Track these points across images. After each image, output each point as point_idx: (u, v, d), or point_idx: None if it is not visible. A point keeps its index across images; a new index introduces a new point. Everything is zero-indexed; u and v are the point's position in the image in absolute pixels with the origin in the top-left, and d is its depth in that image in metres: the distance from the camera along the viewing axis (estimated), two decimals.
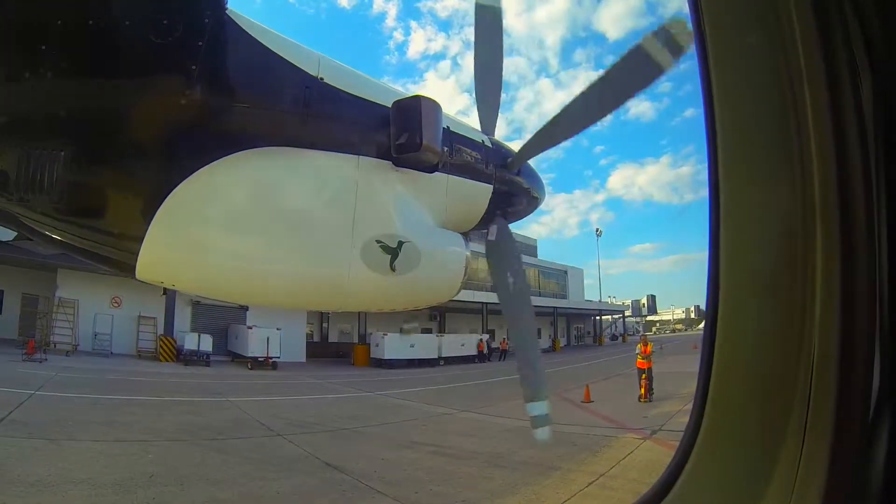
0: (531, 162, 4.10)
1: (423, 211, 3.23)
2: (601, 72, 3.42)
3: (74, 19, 2.59)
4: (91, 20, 2.63)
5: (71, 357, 22.17)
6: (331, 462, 8.68)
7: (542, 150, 4.00)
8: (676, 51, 2.78)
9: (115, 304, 26.54)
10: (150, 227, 2.59)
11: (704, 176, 1.37)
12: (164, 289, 3.73)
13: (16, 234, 3.49)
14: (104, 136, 2.64)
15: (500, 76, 4.07)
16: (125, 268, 2.81)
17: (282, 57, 2.90)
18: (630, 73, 3.17)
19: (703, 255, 1.37)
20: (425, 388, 20.25)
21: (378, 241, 2.91)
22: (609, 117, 3.62)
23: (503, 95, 4.20)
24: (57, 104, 2.60)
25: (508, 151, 3.98)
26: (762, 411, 1.29)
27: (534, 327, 4.40)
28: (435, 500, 6.95)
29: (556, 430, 11.62)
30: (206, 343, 26.14)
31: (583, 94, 3.48)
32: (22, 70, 2.55)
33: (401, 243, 2.95)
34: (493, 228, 3.74)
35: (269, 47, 2.88)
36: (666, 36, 2.81)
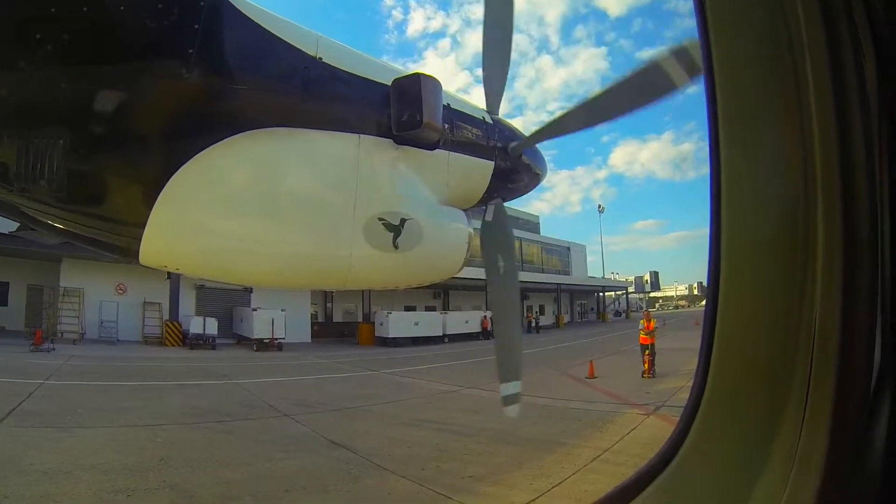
0: None
1: (425, 188, 3.22)
2: (614, 79, 3.43)
3: (68, 6, 2.55)
4: (85, 6, 2.59)
5: (78, 345, 22.38)
6: (337, 441, 8.81)
7: (548, 139, 4.03)
8: (692, 70, 2.76)
9: (120, 291, 26.74)
10: (151, 212, 2.59)
11: (707, 153, 1.36)
12: (169, 273, 3.78)
13: (18, 224, 3.53)
14: (103, 122, 2.60)
15: (509, 56, 4.03)
16: (129, 254, 2.82)
17: (279, 37, 2.88)
18: (644, 85, 3.15)
19: (706, 232, 1.36)
20: (430, 365, 20.43)
21: (380, 219, 2.91)
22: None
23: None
24: (54, 92, 2.57)
25: (511, 130, 3.97)
26: (763, 386, 1.30)
27: (518, 312, 4.45)
28: (441, 477, 7.03)
29: (561, 405, 11.75)
30: (212, 326, 26.36)
31: (596, 96, 3.53)
32: (16, 59, 2.52)
33: (403, 220, 2.96)
34: (490, 209, 3.74)
35: (266, 28, 2.85)
36: (684, 56, 2.79)
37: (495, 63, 4.00)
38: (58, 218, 2.92)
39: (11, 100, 2.59)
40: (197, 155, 2.60)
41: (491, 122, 3.73)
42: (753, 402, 1.32)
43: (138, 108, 2.66)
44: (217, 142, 2.64)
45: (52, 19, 2.53)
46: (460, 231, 3.32)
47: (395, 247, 2.93)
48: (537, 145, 4.20)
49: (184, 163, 2.59)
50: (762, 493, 1.27)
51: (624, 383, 14.62)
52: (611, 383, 14.64)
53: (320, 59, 2.96)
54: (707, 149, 1.35)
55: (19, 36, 2.51)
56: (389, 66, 3.36)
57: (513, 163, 3.84)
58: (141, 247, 2.69)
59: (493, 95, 3.94)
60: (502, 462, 7.76)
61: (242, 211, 2.84)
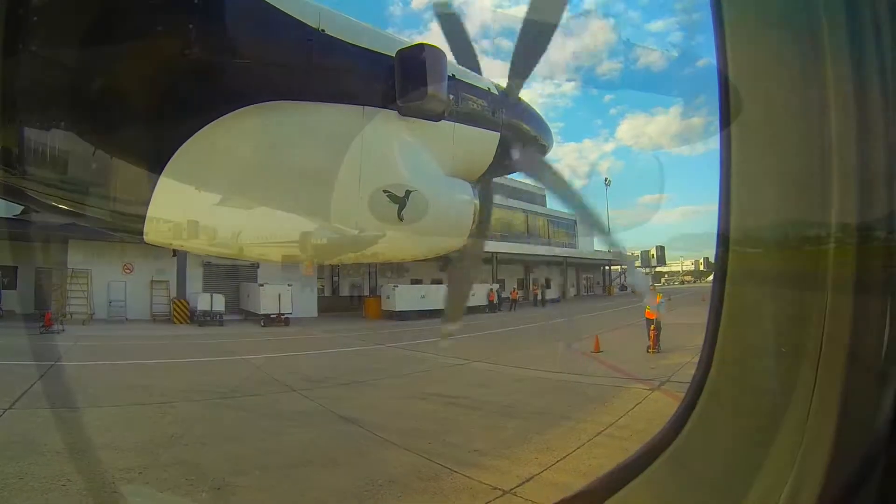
0: (539, 109, 4.12)
1: (430, 160, 3.20)
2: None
3: None
4: None
5: (87, 326, 22.70)
6: (345, 415, 8.94)
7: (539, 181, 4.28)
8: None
9: (127, 271, 26.87)
10: (155, 190, 2.63)
11: (715, 126, 1.33)
12: (174, 251, 3.87)
13: (22, 208, 3.56)
14: (102, 103, 2.60)
15: (544, 49, 3.88)
16: (134, 232, 2.89)
17: (281, 10, 2.83)
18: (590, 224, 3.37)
19: (713, 208, 1.35)
20: (437, 339, 20.53)
21: (385, 191, 2.88)
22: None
23: (511, 44, 4.05)
24: (51, 75, 2.55)
25: (522, 106, 3.96)
26: (772, 363, 1.29)
27: (472, 277, 5.14)
28: (447, 451, 7.11)
29: (567, 379, 11.85)
30: (219, 303, 26.57)
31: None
32: (14, 44, 2.45)
33: (408, 192, 2.92)
34: (475, 189, 3.71)
35: (268, 1, 2.79)
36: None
37: (529, 52, 3.89)
38: (61, 199, 2.98)
39: (9, 85, 2.55)
40: (199, 131, 2.60)
41: (497, 93, 3.68)
42: (762, 378, 1.31)
43: (137, 87, 2.64)
44: (219, 117, 2.63)
45: (45, 2, 2.50)
46: (466, 203, 3.30)
47: (401, 219, 2.90)
48: (544, 118, 4.23)
49: (186, 140, 2.59)
50: (771, 468, 1.25)
51: (629, 358, 14.64)
52: (616, 357, 14.66)
53: (323, 31, 2.91)
54: (716, 122, 1.32)
55: (13, 21, 2.43)
56: (394, 38, 3.31)
57: (517, 129, 3.81)
58: (146, 225, 2.76)
59: (517, 81, 3.86)
60: (508, 436, 7.83)
61: (246, 186, 2.85)
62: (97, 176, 2.75)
